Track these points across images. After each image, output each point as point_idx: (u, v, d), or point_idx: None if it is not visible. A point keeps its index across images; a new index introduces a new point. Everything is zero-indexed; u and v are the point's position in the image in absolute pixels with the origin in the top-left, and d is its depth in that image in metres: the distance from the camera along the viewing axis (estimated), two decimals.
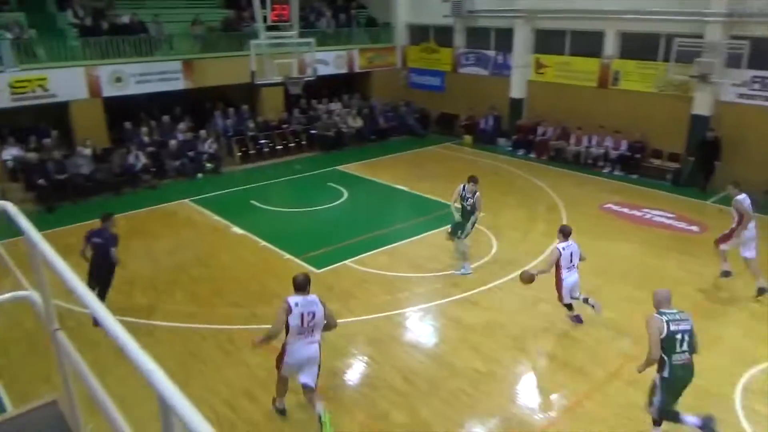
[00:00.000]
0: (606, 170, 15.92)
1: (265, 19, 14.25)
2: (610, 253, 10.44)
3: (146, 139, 15.43)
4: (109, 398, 2.20)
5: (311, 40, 15.60)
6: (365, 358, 7.35)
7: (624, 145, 15.72)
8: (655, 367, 5.51)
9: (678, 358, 5.35)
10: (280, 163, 17.00)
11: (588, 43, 16.71)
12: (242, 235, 11.44)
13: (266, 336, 5.75)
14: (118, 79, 15.15)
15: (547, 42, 17.68)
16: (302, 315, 5.60)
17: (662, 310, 5.46)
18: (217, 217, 12.42)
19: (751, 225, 8.49)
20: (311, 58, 15.57)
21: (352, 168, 16.27)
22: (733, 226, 8.62)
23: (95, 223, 9.70)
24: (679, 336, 5.32)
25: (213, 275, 9.75)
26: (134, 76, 15.39)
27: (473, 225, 9.52)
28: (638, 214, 12.47)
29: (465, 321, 8.17)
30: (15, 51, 13.38)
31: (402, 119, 20.33)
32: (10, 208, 2.73)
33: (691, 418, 5.51)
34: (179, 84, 16.25)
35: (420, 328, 8.22)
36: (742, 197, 8.50)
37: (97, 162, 14.22)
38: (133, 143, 14.90)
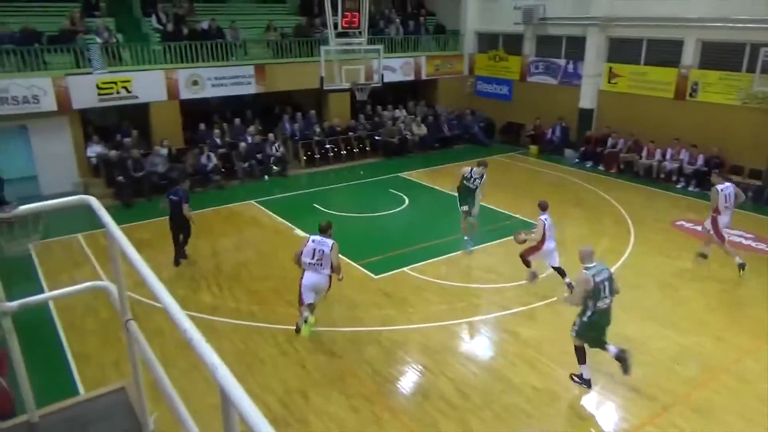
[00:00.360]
0: (680, 185, 15.19)
1: (335, 25, 14.54)
2: (682, 273, 9.95)
3: (218, 140, 16.06)
4: (173, 388, 2.30)
5: (380, 47, 15.77)
6: (419, 366, 7.33)
7: (700, 160, 14.96)
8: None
9: (602, 304, 6.49)
10: (344, 168, 17.26)
11: (665, 52, 16.05)
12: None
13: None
14: (195, 83, 15.87)
15: (621, 50, 17.11)
16: (314, 250, 7.39)
17: (587, 265, 6.49)
18: (280, 219, 12.76)
19: (727, 214, 9.80)
20: (379, 65, 15.74)
21: (414, 175, 16.30)
22: (713, 213, 9.83)
23: (168, 219, 10.24)
24: (602, 285, 6.41)
25: (274, 275, 10.01)
26: (210, 80, 16.08)
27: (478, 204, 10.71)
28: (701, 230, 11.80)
29: (523, 335, 8.00)
30: (103, 54, 14.29)
31: (466, 127, 20.19)
32: (94, 202, 2.92)
33: (611, 348, 6.66)
34: (251, 88, 16.83)
35: (476, 339, 8.12)
36: (725, 186, 9.77)
37: (171, 161, 14.93)
38: (205, 144, 15.54)
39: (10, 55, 13.45)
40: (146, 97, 15.27)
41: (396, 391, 6.89)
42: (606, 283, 6.44)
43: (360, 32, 15.02)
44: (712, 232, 9.84)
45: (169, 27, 15.97)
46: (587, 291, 6.37)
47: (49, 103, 13.85)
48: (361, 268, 10.17)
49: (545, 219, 8.79)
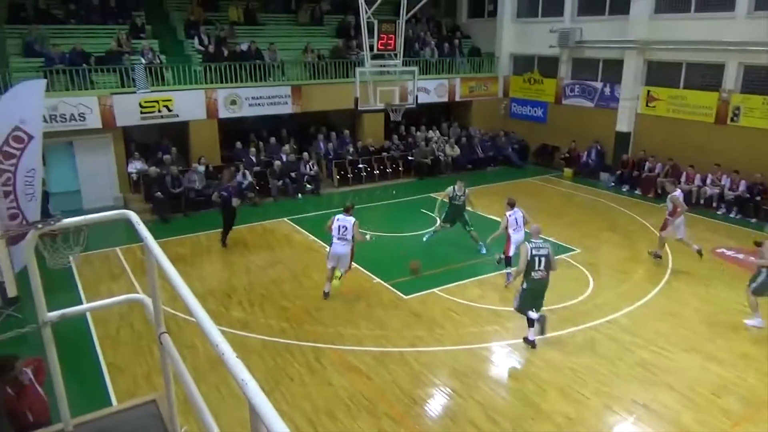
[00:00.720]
0: (720, 212, 14.76)
1: (371, 47, 14.78)
2: (723, 303, 9.61)
3: (253, 158, 16.37)
4: (204, 402, 2.32)
5: (414, 69, 15.93)
6: (448, 389, 7.23)
7: (742, 186, 14.52)
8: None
9: (535, 275, 7.81)
10: (376, 187, 17.35)
11: (705, 76, 15.74)
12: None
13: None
14: (233, 102, 16.27)
15: (660, 74, 16.84)
16: (339, 227, 9.29)
17: (532, 240, 7.92)
18: (312, 237, 12.86)
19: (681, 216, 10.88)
20: (413, 87, 15.88)
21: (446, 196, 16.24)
22: (667, 216, 11.08)
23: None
24: (537, 259, 7.73)
25: (304, 293, 10.06)
26: (247, 99, 16.46)
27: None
28: (757, 261, 11.37)
29: (554, 361, 7.83)
30: (147, 74, 14.81)
31: (500, 149, 20.10)
32: (133, 216, 3.00)
33: (532, 314, 7.90)
34: (287, 108, 17.15)
35: (506, 364, 7.96)
36: (678, 193, 11.13)
37: (208, 178, 15.26)
38: (241, 162, 15.84)
39: (60, 75, 14.05)
40: (186, 116, 15.71)
41: (424, 413, 6.80)
42: (542, 258, 7.76)
43: (395, 54, 15.23)
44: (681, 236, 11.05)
45: (211, 48, 16.46)
46: (526, 260, 7.73)
47: (95, 121, 14.38)
48: (391, 288, 10.15)
49: (509, 215, 10.08)
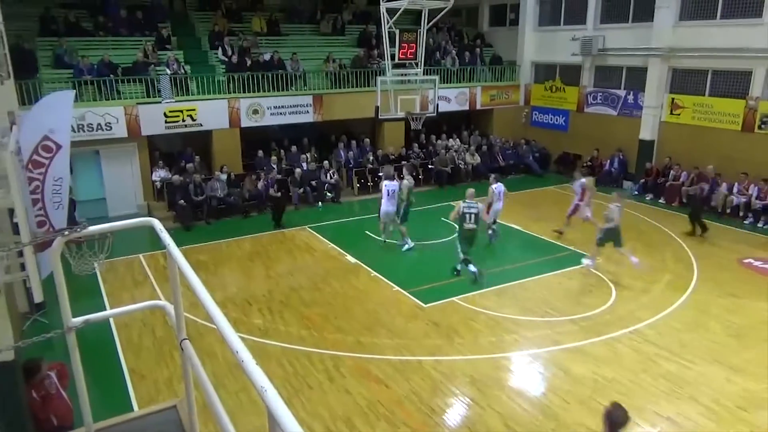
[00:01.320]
0: (748, 221, 14.44)
1: (393, 56, 14.85)
2: (750, 314, 9.39)
3: (275, 167, 16.52)
4: (223, 409, 2.35)
5: (435, 77, 15.95)
6: (466, 399, 7.17)
7: None
8: None
9: (466, 226, 10.46)
10: None
11: (732, 84, 15.46)
12: (355, 264, 11.78)
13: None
14: (255, 111, 16.47)
15: (685, 81, 16.61)
16: (387, 190, 11.91)
17: (466, 200, 10.53)
18: (332, 245, 12.92)
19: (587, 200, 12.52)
20: (434, 95, 15.89)
21: None
22: (577, 201, 12.88)
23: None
24: (468, 215, 10.41)
25: (324, 301, 10.10)
26: (269, 109, 16.65)
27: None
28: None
29: (574, 372, 7.72)
30: (172, 85, 15.09)
31: (521, 157, 19.98)
32: (157, 224, 3.05)
33: (472, 267, 10.54)
34: (309, 117, 17.31)
35: (526, 374, 7.88)
36: (586, 180, 12.95)
37: (230, 186, 15.45)
38: (263, 170, 16.00)
39: (88, 86, 14.39)
40: (210, 125, 15.95)
41: (443, 423, 6.76)
42: (472, 215, 10.40)
43: (416, 63, 15.27)
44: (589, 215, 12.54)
45: (234, 59, 16.70)
46: (458, 213, 10.49)
47: (121, 130, 14.69)
48: (411, 296, 10.13)
49: (495, 187, 12.53)
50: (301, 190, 16.13)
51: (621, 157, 17.92)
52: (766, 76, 14.64)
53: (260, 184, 15.52)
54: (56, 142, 9.30)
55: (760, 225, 14.19)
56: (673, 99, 16.78)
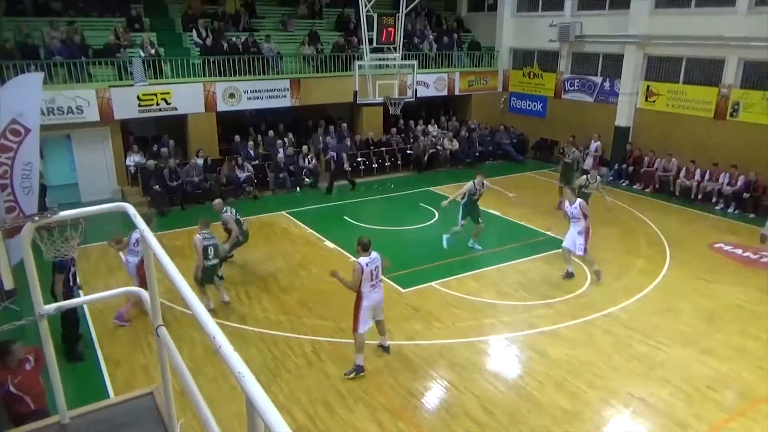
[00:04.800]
0: (719, 207, 14.78)
1: (370, 41, 14.72)
2: (720, 297, 9.64)
3: (252, 152, 16.34)
4: (201, 395, 2.33)
5: (414, 62, 15.88)
6: (444, 382, 7.25)
7: (741, 181, 14.52)
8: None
9: (208, 261, 8.83)
10: (375, 181, 17.33)
11: (705, 71, 15.71)
12: (333, 249, 11.76)
13: (345, 284, 7.20)
14: (232, 95, 16.22)
15: (660, 69, 16.82)
16: (371, 271, 7.12)
17: (203, 232, 8.91)
18: (310, 230, 12.87)
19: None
20: (413, 80, 15.84)
21: (445, 190, 16.22)
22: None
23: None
24: (209, 246, 8.82)
25: (302, 286, 10.08)
26: (246, 93, 16.41)
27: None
28: (753, 256, 11.43)
29: (551, 355, 7.86)
30: (145, 67, 14.75)
31: (499, 143, 20.08)
32: (130, 209, 2.99)
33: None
34: (286, 101, 17.11)
35: (503, 357, 7.99)
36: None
37: (206, 171, 15.24)
38: (240, 155, 15.82)
39: (57, 68, 13.99)
40: (185, 109, 15.66)
41: (421, 406, 6.82)
42: (211, 248, 8.87)
43: (395, 48, 15.17)
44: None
45: (209, 41, 16.38)
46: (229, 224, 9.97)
47: (93, 114, 14.33)
48: (389, 281, 10.13)
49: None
50: (281, 175, 15.99)
51: (597, 143, 18.11)
52: (738, 64, 14.90)
53: (237, 170, 15.34)
54: (25, 126, 9.06)
55: (730, 210, 14.53)
56: (648, 86, 17.00)
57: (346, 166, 16.58)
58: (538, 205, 14.50)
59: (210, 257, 8.88)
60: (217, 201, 10.64)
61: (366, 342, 7.40)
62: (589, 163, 16.64)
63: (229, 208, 10.52)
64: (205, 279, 8.92)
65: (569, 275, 10.20)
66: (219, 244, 9.21)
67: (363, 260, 7.08)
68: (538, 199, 14.87)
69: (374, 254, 7.22)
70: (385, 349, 7.81)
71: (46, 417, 4.63)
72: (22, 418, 4.92)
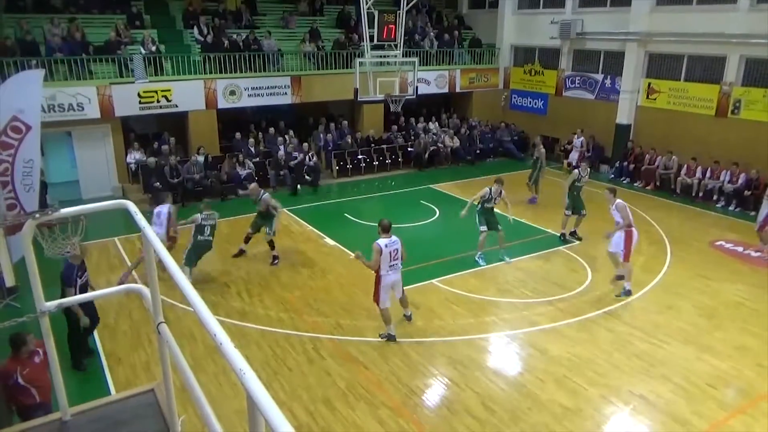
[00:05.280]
0: (720, 205, 14.77)
1: (371, 38, 14.71)
2: (720, 295, 9.64)
3: (252, 149, 16.33)
4: (202, 392, 2.33)
5: (414, 59, 15.87)
6: (445, 379, 7.26)
7: (742, 179, 14.50)
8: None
9: (201, 238, 9.67)
10: (375, 178, 17.32)
11: (706, 69, 15.68)
12: (334, 247, 11.77)
13: (366, 265, 7.70)
14: (232, 92, 16.21)
15: (661, 66, 16.80)
16: (390, 252, 7.55)
17: (204, 213, 9.69)
18: (311, 228, 12.87)
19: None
20: (413, 78, 15.82)
21: (445, 187, 16.26)
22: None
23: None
24: (204, 227, 9.62)
25: (303, 284, 10.08)
26: (246, 90, 16.40)
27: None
28: (754, 254, 11.43)
29: (551, 352, 7.86)
30: (146, 64, 14.73)
31: (500, 141, 20.07)
32: (131, 207, 2.99)
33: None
34: (287, 98, 17.10)
35: (504, 354, 8.00)
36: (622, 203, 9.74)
37: (207, 169, 15.23)
38: (241, 153, 15.81)
39: (58, 65, 13.97)
40: (185, 106, 15.66)
41: (422, 403, 6.83)
42: (207, 227, 9.64)
43: (395, 45, 15.16)
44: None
45: (209, 38, 16.36)
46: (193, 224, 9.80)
47: (93, 111, 14.33)
48: None
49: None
50: (281, 173, 15.98)
51: (596, 141, 18.09)
52: (739, 61, 14.87)
53: (237, 167, 15.33)
54: (25, 123, 9.06)
55: (731, 208, 14.52)
56: (649, 83, 16.97)
57: (313, 162, 16.45)
58: (539, 202, 14.52)
59: (205, 234, 9.66)
60: (253, 185, 11.29)
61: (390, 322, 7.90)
62: (574, 157, 17.28)
63: (263, 190, 11.09)
64: (192, 257, 9.69)
65: (618, 278, 9.76)
66: (217, 224, 10.00)
67: (382, 241, 7.53)
68: (540, 197, 14.85)
69: (394, 237, 7.64)
70: (408, 318, 8.45)
71: (49, 410, 4.65)
72: (27, 410, 4.95)
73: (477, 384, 7.15)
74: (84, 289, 7.14)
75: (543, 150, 14.74)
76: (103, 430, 3.19)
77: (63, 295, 7.03)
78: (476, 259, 10.87)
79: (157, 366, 7.08)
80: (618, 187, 16.23)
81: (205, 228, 9.64)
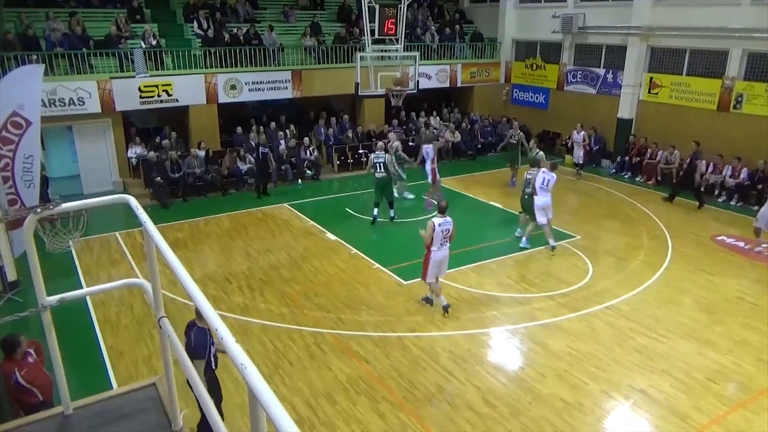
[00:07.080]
0: (721, 199, 14.74)
1: (372, 32, 14.66)
2: (721, 290, 9.64)
3: (253, 144, 16.29)
4: (203, 387, 2.34)
5: (416, 54, 15.81)
6: (446, 374, 7.27)
7: (744, 174, 14.47)
8: None
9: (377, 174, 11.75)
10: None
11: (709, 63, 15.62)
12: (335, 241, 11.77)
13: (423, 238, 8.47)
14: (233, 87, 16.18)
15: (663, 60, 16.73)
16: (442, 231, 8.35)
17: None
18: (312, 222, 12.87)
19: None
20: (414, 72, 15.77)
21: (446, 182, 16.21)
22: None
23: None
24: (377, 165, 11.88)
25: (304, 278, 10.09)
26: (247, 84, 16.36)
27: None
28: (756, 249, 11.41)
29: (552, 347, 7.87)
30: (146, 59, 14.70)
31: (501, 135, 20.00)
32: (132, 201, 2.99)
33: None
34: (288, 93, 17.06)
35: (504, 349, 8.01)
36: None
37: (208, 163, 15.22)
38: (242, 147, 15.79)
39: (59, 59, 13.95)
40: (186, 101, 15.63)
41: (423, 398, 6.85)
42: (380, 165, 11.88)
43: (397, 39, 15.11)
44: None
45: (210, 33, 16.32)
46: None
47: (94, 105, 14.32)
48: (391, 273, 10.18)
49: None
50: (283, 167, 15.96)
51: (598, 135, 18.04)
52: (741, 56, 14.82)
53: (238, 162, 15.32)
54: (26, 118, 9.06)
55: (732, 203, 14.50)
56: (651, 78, 16.91)
57: (314, 156, 16.41)
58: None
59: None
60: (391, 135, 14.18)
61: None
62: (578, 154, 17.13)
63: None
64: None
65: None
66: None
67: (436, 221, 8.33)
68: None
69: (448, 218, 8.45)
70: (428, 300, 8.94)
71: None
72: (31, 409, 4.96)
73: (478, 378, 7.16)
74: (216, 359, 5.73)
75: (521, 133, 15.42)
76: (104, 424, 3.20)
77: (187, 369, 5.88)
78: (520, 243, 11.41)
79: (158, 360, 7.10)
80: (619, 181, 16.38)
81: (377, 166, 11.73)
